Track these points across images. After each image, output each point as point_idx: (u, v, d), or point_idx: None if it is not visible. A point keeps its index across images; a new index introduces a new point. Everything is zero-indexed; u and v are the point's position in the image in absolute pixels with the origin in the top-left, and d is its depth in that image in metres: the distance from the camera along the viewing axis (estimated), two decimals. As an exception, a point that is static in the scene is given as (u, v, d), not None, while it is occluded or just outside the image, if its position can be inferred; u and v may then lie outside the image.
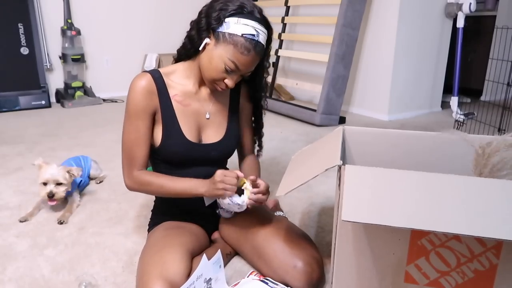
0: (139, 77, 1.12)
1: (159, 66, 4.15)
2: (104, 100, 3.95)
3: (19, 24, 3.51)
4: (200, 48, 1.09)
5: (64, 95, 3.76)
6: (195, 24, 1.11)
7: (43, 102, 3.63)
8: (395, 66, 3.22)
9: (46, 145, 2.51)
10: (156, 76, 1.13)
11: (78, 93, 3.81)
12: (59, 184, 1.57)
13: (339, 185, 0.89)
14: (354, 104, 3.61)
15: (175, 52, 1.21)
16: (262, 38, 1.06)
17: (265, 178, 1.30)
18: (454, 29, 3.33)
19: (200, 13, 1.10)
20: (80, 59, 3.78)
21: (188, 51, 1.15)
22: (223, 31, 1.04)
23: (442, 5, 3.33)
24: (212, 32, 1.06)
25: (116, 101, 3.97)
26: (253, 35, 1.04)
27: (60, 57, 3.81)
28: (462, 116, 3.09)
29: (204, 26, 1.07)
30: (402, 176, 0.79)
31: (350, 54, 3.12)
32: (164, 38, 4.36)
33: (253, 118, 1.35)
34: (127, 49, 4.27)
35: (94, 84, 4.08)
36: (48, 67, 3.82)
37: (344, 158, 1.11)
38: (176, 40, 1.30)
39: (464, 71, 3.83)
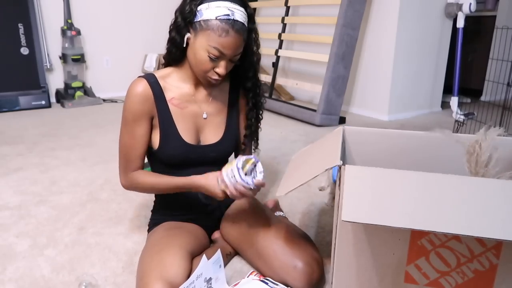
0: (135, 83, 1.11)
1: (159, 66, 4.15)
2: (104, 100, 3.95)
3: (19, 24, 3.51)
4: (184, 45, 1.09)
5: (64, 95, 3.76)
6: (174, 25, 1.10)
7: (43, 102, 3.63)
8: (395, 66, 3.22)
9: (46, 145, 2.51)
10: (152, 80, 1.13)
11: (78, 93, 3.81)
12: None
13: (339, 185, 0.89)
14: (354, 104, 3.61)
15: None
16: (239, 16, 1.04)
17: (266, 178, 1.30)
18: (454, 29, 3.33)
19: (175, 12, 1.10)
20: (80, 59, 3.78)
21: (175, 54, 1.14)
22: (198, 20, 1.04)
23: (442, 5, 3.33)
24: (190, 25, 1.06)
25: (116, 101, 3.96)
26: (227, 14, 1.02)
27: (60, 57, 3.81)
28: (462, 116, 3.08)
29: (181, 24, 1.07)
30: (402, 176, 0.79)
31: (350, 54, 3.12)
32: (164, 38, 4.27)
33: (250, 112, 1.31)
34: (127, 49, 4.27)
35: (94, 84, 4.08)
36: (48, 67, 3.82)
37: (344, 158, 1.11)
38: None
39: (464, 71, 3.83)
